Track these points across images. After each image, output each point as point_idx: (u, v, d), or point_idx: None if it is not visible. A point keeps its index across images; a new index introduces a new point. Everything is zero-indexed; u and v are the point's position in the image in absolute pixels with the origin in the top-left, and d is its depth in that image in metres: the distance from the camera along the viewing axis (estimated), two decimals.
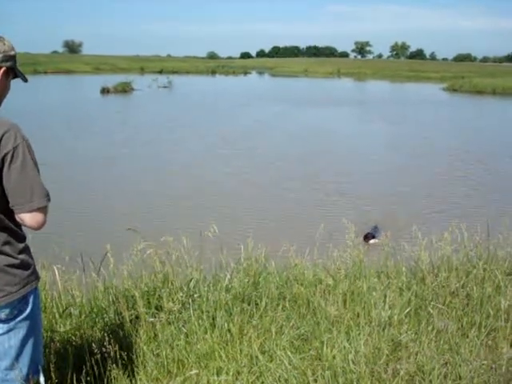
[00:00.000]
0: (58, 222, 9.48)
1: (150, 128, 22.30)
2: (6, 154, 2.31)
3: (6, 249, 2.46)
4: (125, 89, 41.43)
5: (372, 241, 7.76)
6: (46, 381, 2.82)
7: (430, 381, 3.35)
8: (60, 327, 4.12)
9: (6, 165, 2.33)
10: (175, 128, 22.12)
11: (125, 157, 16.23)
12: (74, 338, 3.97)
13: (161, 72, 62.17)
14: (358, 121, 27.45)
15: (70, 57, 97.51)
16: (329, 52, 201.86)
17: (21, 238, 2.54)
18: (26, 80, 2.68)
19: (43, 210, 2.46)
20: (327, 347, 3.71)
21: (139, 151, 17.12)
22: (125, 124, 23.56)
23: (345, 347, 3.71)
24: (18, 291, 2.51)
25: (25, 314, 2.57)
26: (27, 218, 2.43)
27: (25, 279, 2.54)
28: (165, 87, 46.52)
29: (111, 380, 3.44)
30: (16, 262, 2.48)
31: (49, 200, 2.48)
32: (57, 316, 4.29)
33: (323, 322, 4.05)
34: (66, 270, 4.66)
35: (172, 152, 17.23)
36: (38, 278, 2.65)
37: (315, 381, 3.42)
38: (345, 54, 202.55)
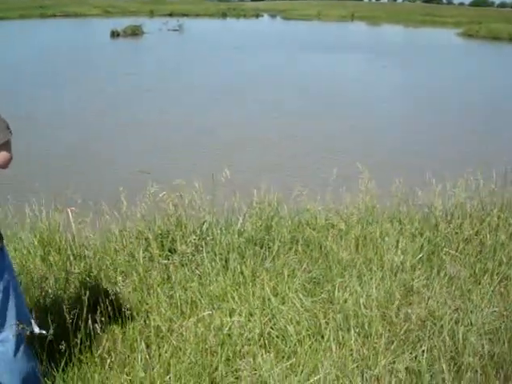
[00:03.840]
0: (69, 165, 9.54)
1: (160, 72, 22.03)
2: None
3: None
4: (135, 32, 40.73)
5: None
6: (52, 324, 2.86)
7: (442, 326, 3.37)
8: (74, 268, 4.17)
9: None
10: (185, 72, 21.84)
11: (136, 100, 16.10)
12: (88, 279, 4.01)
13: (171, 15, 60.94)
14: (371, 67, 26.87)
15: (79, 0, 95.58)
16: None
17: None
18: None
19: (6, 145, 2.25)
20: (339, 291, 3.73)
21: (151, 95, 16.96)
22: (136, 68, 23.27)
23: (357, 291, 3.73)
24: None
25: None
26: None
27: None
28: (175, 30, 45.70)
29: (125, 320, 3.50)
30: None
31: (11, 132, 2.26)
32: (71, 258, 4.34)
33: (335, 266, 4.06)
34: (79, 212, 4.67)
35: (182, 96, 17.08)
36: (1, 237, 2.55)
37: (327, 323, 3.46)
38: None
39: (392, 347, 3.24)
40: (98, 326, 3.03)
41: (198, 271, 4.04)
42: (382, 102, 17.11)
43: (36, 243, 4.55)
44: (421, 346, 3.21)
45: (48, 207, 4.90)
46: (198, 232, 4.47)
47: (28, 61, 23.49)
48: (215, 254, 4.17)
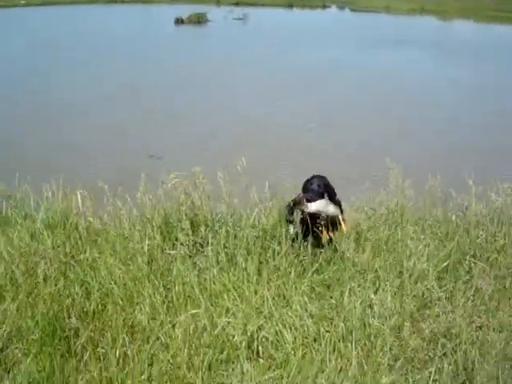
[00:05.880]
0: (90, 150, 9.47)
1: (213, 61, 21.58)
2: None
3: None
4: (199, 20, 40.82)
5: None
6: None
7: (456, 345, 2.99)
8: (81, 253, 4.03)
9: None
10: (233, 65, 21.27)
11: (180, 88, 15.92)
12: (93, 264, 3.85)
13: (237, 4, 60.79)
14: (441, 67, 25.18)
15: None
16: None
17: None
18: None
19: None
20: (349, 296, 3.41)
21: (200, 84, 16.69)
22: (191, 56, 23.04)
23: (370, 298, 3.39)
24: None
25: None
26: None
27: None
28: (239, 19, 45.53)
29: (117, 311, 3.31)
30: None
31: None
32: (79, 243, 4.19)
33: (349, 270, 3.72)
34: (92, 196, 4.50)
35: (231, 86, 16.66)
36: None
37: (327, 331, 3.14)
38: None
39: (397, 365, 2.90)
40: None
41: (201, 265, 3.79)
42: (443, 104, 15.96)
43: (48, 225, 4.44)
44: (427, 368, 2.85)
45: (64, 189, 4.79)
46: (209, 223, 4.21)
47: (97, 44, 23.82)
48: (222, 248, 3.90)
